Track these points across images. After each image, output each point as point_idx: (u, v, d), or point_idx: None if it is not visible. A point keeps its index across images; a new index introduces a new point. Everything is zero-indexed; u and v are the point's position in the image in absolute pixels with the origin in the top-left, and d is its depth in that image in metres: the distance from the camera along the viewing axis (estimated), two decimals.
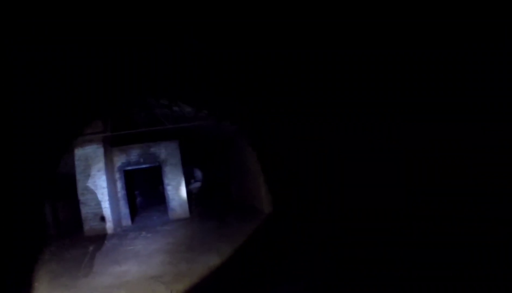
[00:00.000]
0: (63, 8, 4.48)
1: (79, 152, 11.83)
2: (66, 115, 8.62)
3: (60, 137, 9.68)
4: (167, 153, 13.83)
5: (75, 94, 7.78)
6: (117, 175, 13.36)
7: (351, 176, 6.30)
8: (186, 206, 13.99)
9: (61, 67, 6.32)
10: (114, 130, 12.01)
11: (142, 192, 20.79)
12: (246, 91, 7.51)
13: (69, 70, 6.53)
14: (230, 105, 9.71)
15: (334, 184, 6.99)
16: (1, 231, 6.33)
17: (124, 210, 13.41)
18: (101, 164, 11.90)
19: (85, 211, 11.81)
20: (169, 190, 13.81)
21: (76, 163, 11.82)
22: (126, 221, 13.35)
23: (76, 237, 11.56)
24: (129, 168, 13.60)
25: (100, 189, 11.86)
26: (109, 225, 11.88)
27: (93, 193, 11.81)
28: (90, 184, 11.83)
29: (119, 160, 13.41)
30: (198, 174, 25.57)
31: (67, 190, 12.86)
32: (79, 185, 11.83)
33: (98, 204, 11.83)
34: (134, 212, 15.49)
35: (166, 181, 13.83)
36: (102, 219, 11.81)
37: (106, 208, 11.85)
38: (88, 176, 11.84)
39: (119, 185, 13.38)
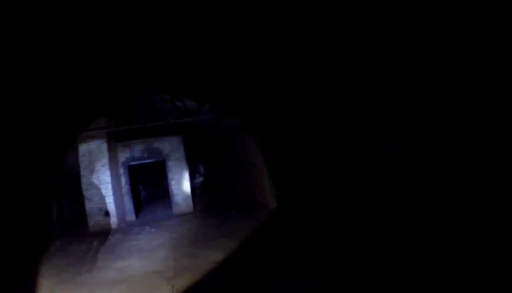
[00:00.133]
0: (70, 9, 4.52)
1: (83, 148, 11.89)
2: (71, 113, 8.67)
3: (64, 134, 9.75)
4: (170, 148, 13.86)
5: (79, 92, 7.83)
6: (121, 170, 13.42)
7: (351, 176, 6.31)
8: (190, 200, 14.05)
9: (65, 66, 6.36)
10: (118, 125, 12.06)
11: (147, 186, 20.88)
12: (246, 91, 7.53)
13: (73, 69, 6.57)
14: (232, 102, 9.74)
15: (334, 184, 7.00)
16: (7, 227, 6.41)
17: (128, 205, 13.48)
18: (105, 159, 11.96)
19: (89, 206, 11.89)
20: (173, 184, 13.85)
21: (80, 158, 11.89)
22: (131, 216, 13.43)
23: (81, 232, 11.66)
24: (133, 163, 13.65)
25: (104, 184, 11.94)
26: (114, 220, 11.97)
27: (97, 188, 11.89)
28: (94, 179, 11.90)
29: (123, 155, 13.47)
30: (204, 168, 25.61)
31: (72, 186, 12.95)
32: (83, 180, 11.90)
33: (102, 199, 11.90)
34: (138, 207, 15.57)
35: (170, 176, 13.87)
36: (107, 214, 11.89)
37: (110, 203, 11.93)
38: (92, 171, 11.91)
39: (123, 180, 13.44)
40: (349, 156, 6.17)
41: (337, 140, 6.32)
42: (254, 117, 10.41)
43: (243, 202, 14.60)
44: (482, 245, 3.83)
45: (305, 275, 5.77)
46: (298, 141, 8.09)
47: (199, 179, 23.80)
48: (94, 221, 11.88)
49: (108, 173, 11.98)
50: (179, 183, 13.89)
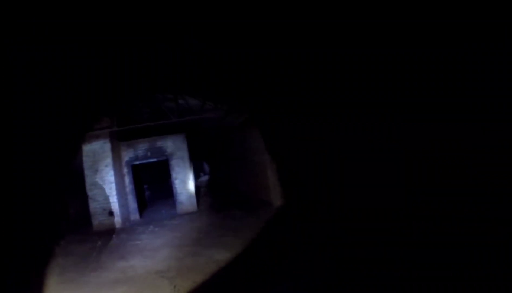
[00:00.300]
0: (71, 9, 4.53)
1: (86, 148, 11.95)
2: (73, 113, 8.71)
3: (68, 135, 9.79)
4: (174, 147, 13.89)
5: (81, 93, 7.86)
6: (125, 170, 13.48)
7: (351, 176, 6.29)
8: (194, 199, 14.07)
9: (68, 67, 6.38)
10: (121, 125, 12.11)
11: (151, 186, 20.96)
12: (247, 90, 7.52)
13: (75, 69, 6.59)
14: (235, 101, 9.73)
15: (334, 184, 6.98)
16: (11, 227, 6.45)
17: (132, 204, 13.54)
18: (108, 159, 12.02)
19: (93, 206, 11.96)
20: (177, 183, 13.88)
21: (84, 158, 11.95)
22: (135, 215, 13.49)
23: (85, 232, 11.73)
24: (137, 162, 13.69)
25: (108, 184, 12.00)
26: (118, 220, 12.03)
27: (101, 188, 11.94)
28: (98, 179, 11.96)
29: (126, 154, 13.52)
30: (208, 167, 25.68)
31: (76, 185, 13.02)
32: (87, 180, 11.97)
33: (106, 199, 11.96)
34: (143, 206, 15.63)
35: (173, 175, 13.90)
36: (111, 213, 11.95)
37: (114, 202, 12.00)
38: (96, 171, 11.97)
39: (127, 179, 13.50)
40: (349, 155, 6.15)
41: (338, 140, 6.31)
42: (259, 115, 10.40)
43: (247, 200, 14.63)
44: (482, 245, 3.81)
45: (305, 275, 5.76)
46: (300, 140, 8.07)
47: (204, 178, 23.87)
48: (98, 220, 11.95)
49: (111, 172, 12.04)
50: (183, 182, 13.91)
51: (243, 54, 5.98)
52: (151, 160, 13.89)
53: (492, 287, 3.72)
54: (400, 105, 4.64)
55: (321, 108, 6.22)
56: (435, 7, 3.59)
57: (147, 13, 4.86)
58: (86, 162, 11.96)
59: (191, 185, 14.05)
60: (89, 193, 11.96)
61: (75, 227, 12.63)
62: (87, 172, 11.96)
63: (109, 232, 11.40)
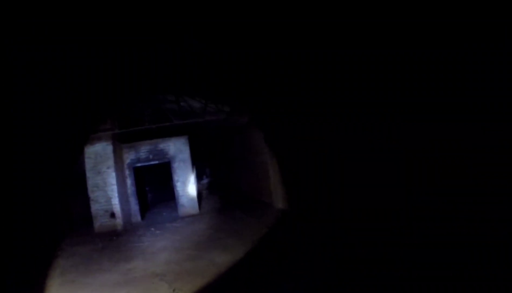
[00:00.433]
0: (74, 10, 4.54)
1: (88, 150, 11.96)
2: (75, 115, 8.71)
3: (70, 136, 9.80)
4: (176, 149, 13.87)
5: (84, 95, 7.86)
6: (127, 172, 13.48)
7: (351, 176, 6.26)
8: (196, 202, 14.05)
9: (70, 68, 6.39)
10: (123, 127, 12.11)
11: (153, 188, 20.93)
12: (249, 91, 7.50)
13: (77, 70, 6.59)
14: (237, 101, 9.72)
15: (334, 184, 6.95)
16: (13, 228, 6.44)
17: (134, 206, 13.54)
18: (110, 161, 12.01)
19: (95, 207, 11.95)
20: (178, 186, 13.87)
21: (86, 160, 11.96)
22: (136, 218, 13.48)
23: (87, 233, 11.73)
24: (139, 164, 13.69)
25: (110, 186, 11.98)
26: (119, 222, 12.01)
27: (102, 190, 11.94)
28: (99, 181, 11.96)
29: (128, 156, 13.52)
30: (210, 169, 25.67)
31: (78, 187, 13.04)
32: (89, 182, 11.97)
33: (108, 200, 11.95)
34: (145, 208, 15.63)
35: (175, 178, 13.88)
36: (112, 215, 11.93)
37: (115, 204, 11.98)
38: (98, 173, 11.96)
39: (129, 181, 13.50)
40: (349, 155, 6.14)
41: (338, 140, 6.28)
42: (260, 116, 10.39)
43: (249, 202, 14.60)
44: (482, 245, 3.80)
45: (305, 275, 5.72)
46: (300, 140, 8.05)
47: (206, 180, 23.84)
48: (99, 222, 11.93)
49: (113, 174, 12.03)
50: (185, 184, 13.89)
51: (243, 54, 5.96)
52: (153, 162, 13.88)
53: (492, 287, 3.70)
54: (400, 105, 4.61)
55: (322, 109, 6.20)
56: (435, 7, 3.56)
57: (147, 13, 4.86)
58: (88, 163, 11.97)
59: (192, 188, 14.03)
60: (91, 195, 11.96)
61: (77, 228, 12.65)
62: (89, 174, 11.97)
63: (111, 234, 11.39)
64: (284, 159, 10.44)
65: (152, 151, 13.69)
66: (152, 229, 11.62)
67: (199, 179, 21.74)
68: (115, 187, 12.00)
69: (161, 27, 5.32)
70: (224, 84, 7.80)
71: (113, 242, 10.27)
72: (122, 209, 12.26)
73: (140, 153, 13.60)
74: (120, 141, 13.30)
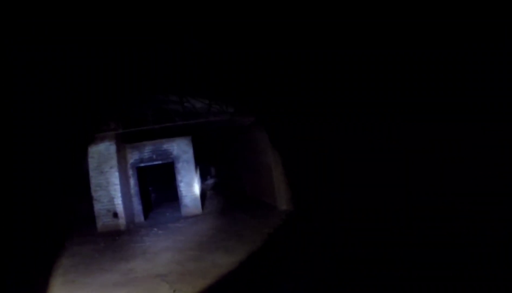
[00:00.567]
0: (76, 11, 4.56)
1: (92, 149, 12.00)
2: (76, 114, 8.74)
3: (73, 136, 9.84)
4: (179, 149, 13.89)
5: (87, 95, 7.89)
6: (130, 172, 13.50)
7: (351, 176, 6.24)
8: (199, 202, 14.06)
9: (69, 68, 6.40)
10: (126, 127, 12.13)
11: (157, 188, 21.00)
12: (246, 92, 7.49)
13: (79, 71, 6.62)
14: (242, 102, 9.72)
15: (335, 184, 6.93)
16: (16, 229, 6.46)
17: (137, 206, 13.55)
18: (113, 161, 12.04)
19: (98, 207, 11.98)
20: (182, 186, 13.88)
21: (89, 160, 12.00)
22: (139, 218, 13.50)
23: (90, 233, 11.75)
24: (142, 164, 13.72)
25: (113, 185, 12.01)
26: (122, 222, 12.04)
27: (105, 190, 11.97)
28: (103, 180, 11.99)
29: (132, 156, 13.55)
30: (214, 170, 25.72)
31: (82, 187, 13.07)
32: (92, 182, 12.01)
33: (111, 200, 11.98)
34: (148, 208, 15.65)
35: (178, 178, 13.90)
36: (115, 215, 11.96)
37: (118, 204, 12.00)
38: (101, 172, 12.00)
39: (132, 181, 13.52)
40: (349, 156, 6.12)
41: (338, 141, 6.27)
42: (263, 116, 10.38)
43: (252, 203, 14.59)
44: (482, 245, 3.79)
45: (305, 275, 5.70)
46: (301, 141, 8.04)
47: (210, 180, 23.89)
48: (102, 222, 11.97)
49: (116, 174, 12.06)
50: (188, 184, 13.90)
51: (243, 54, 5.95)
52: (157, 163, 13.90)
53: (492, 287, 3.69)
54: (400, 105, 4.59)
55: (324, 110, 6.19)
56: (435, 7, 3.54)
57: (147, 13, 4.86)
58: (92, 163, 12.01)
59: (196, 188, 14.04)
60: (94, 195, 11.99)
61: (80, 228, 12.67)
62: (92, 173, 12.00)
63: (113, 233, 11.41)
64: (287, 159, 10.41)
65: (156, 151, 13.71)
66: (155, 229, 11.63)
67: (203, 179, 21.78)
68: (118, 187, 12.03)
69: (161, 27, 5.32)
70: (225, 85, 7.79)
71: (115, 241, 10.29)
72: (125, 209, 12.28)
73: (144, 153, 13.63)
74: (124, 142, 13.33)
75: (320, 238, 7.28)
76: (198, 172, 14.78)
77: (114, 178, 12.03)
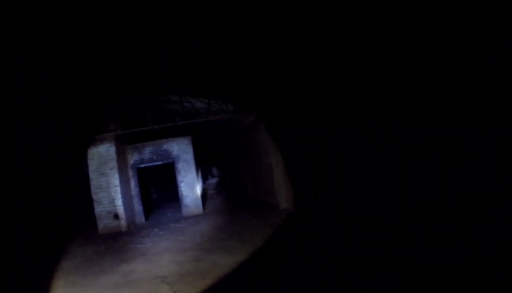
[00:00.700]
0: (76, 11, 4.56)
1: (92, 151, 11.98)
2: (76, 115, 8.74)
3: (72, 137, 9.84)
4: (179, 149, 13.87)
5: (86, 97, 7.89)
6: (131, 173, 13.49)
7: (351, 176, 6.23)
8: (200, 202, 14.04)
9: (69, 68, 6.40)
10: (126, 128, 12.12)
11: (159, 188, 20.99)
12: (246, 92, 7.48)
13: (78, 70, 6.60)
14: (235, 102, 9.70)
15: (335, 184, 6.91)
16: (16, 230, 6.46)
17: (138, 207, 13.54)
18: (113, 162, 12.03)
19: (98, 209, 11.98)
20: (182, 186, 13.87)
21: (89, 161, 11.99)
22: (140, 219, 13.49)
23: (90, 235, 11.77)
24: (142, 165, 13.70)
25: (113, 187, 12.00)
26: (123, 223, 12.03)
27: (106, 191, 11.96)
28: (103, 182, 11.98)
29: (132, 157, 13.54)
30: (215, 170, 25.70)
31: (82, 189, 13.07)
32: (93, 184, 12.00)
33: (112, 202, 11.97)
34: (149, 209, 15.64)
35: (179, 178, 13.88)
36: (116, 216, 11.95)
37: (119, 206, 11.99)
38: (101, 174, 11.99)
39: (133, 182, 13.51)
40: (349, 156, 6.10)
41: (338, 141, 6.25)
42: (266, 116, 10.37)
43: (253, 203, 14.57)
44: (482, 245, 3.78)
45: (305, 275, 5.69)
46: (304, 141, 8.02)
47: (211, 180, 23.87)
48: (103, 223, 11.96)
49: (117, 176, 12.05)
50: (189, 184, 13.89)
51: (243, 54, 5.94)
52: (157, 163, 13.88)
53: (492, 287, 3.68)
54: (400, 105, 4.58)
55: (324, 109, 6.18)
56: (435, 7, 3.53)
57: (147, 13, 4.85)
58: (92, 165, 12.00)
59: (197, 188, 14.02)
60: (94, 196, 11.98)
61: (81, 229, 12.68)
62: (92, 175, 11.99)
63: (114, 235, 11.41)
64: (288, 159, 10.40)
65: (156, 151, 13.70)
66: (156, 229, 11.62)
67: (204, 179, 21.78)
68: (118, 188, 12.02)
69: (161, 27, 5.31)
70: (225, 84, 7.77)
71: (116, 243, 10.28)
72: (126, 210, 12.27)
73: (144, 153, 13.62)
74: (124, 142, 13.32)
75: (320, 238, 7.27)
76: (199, 172, 14.76)
77: (115, 179, 12.03)
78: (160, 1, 4.59)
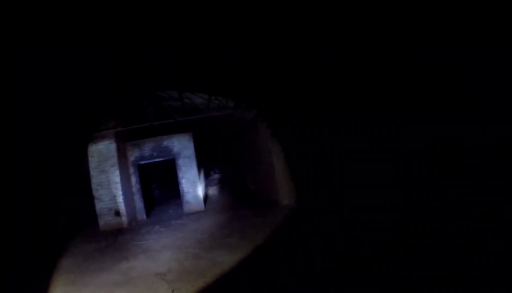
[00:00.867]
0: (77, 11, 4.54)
1: (92, 148, 11.99)
2: (76, 114, 8.72)
3: (73, 135, 9.83)
4: (180, 146, 13.85)
5: (86, 94, 7.87)
6: (131, 170, 13.49)
7: (352, 175, 6.21)
8: (201, 199, 14.04)
9: (69, 68, 6.38)
10: (126, 125, 12.11)
11: (160, 185, 21.02)
12: (246, 92, 7.45)
13: (78, 70, 6.59)
14: (235, 101, 9.68)
15: (335, 183, 6.89)
16: (15, 229, 6.47)
17: (139, 204, 13.55)
18: (114, 159, 12.03)
19: (99, 206, 11.99)
20: (183, 183, 13.86)
21: (90, 159, 11.99)
22: (141, 215, 13.51)
23: (92, 232, 11.79)
24: (143, 162, 13.69)
25: (114, 184, 12.01)
26: (124, 220, 12.05)
27: (107, 188, 11.97)
28: (103, 179, 11.99)
29: (132, 154, 13.53)
30: (217, 167, 25.72)
31: (83, 186, 13.09)
32: (93, 181, 12.01)
33: (112, 199, 11.99)
34: (151, 206, 15.66)
35: (180, 175, 13.88)
36: (117, 213, 11.97)
37: (120, 202, 12.01)
38: (101, 171, 12.00)
39: (133, 179, 13.51)
40: (350, 155, 6.08)
41: (338, 140, 6.23)
42: (267, 114, 10.35)
43: (256, 200, 14.56)
44: (482, 245, 3.78)
45: (306, 274, 5.68)
46: (305, 139, 8.00)
47: (214, 176, 23.89)
48: (104, 220, 11.98)
49: (117, 172, 12.05)
50: (190, 181, 13.88)
51: (243, 54, 5.91)
52: (158, 160, 13.88)
53: (492, 287, 3.67)
54: (400, 105, 4.55)
55: (325, 108, 6.16)
56: (435, 7, 3.50)
57: (147, 13, 4.82)
58: (92, 162, 12.01)
59: (198, 184, 14.02)
60: (95, 194, 12.00)
61: (82, 227, 12.70)
62: (93, 172, 12.00)
63: (115, 232, 11.43)
64: (289, 157, 10.39)
65: (156, 148, 13.68)
66: (157, 226, 11.63)
67: (206, 175, 21.80)
68: (119, 185, 12.03)
69: (161, 27, 5.28)
70: (225, 84, 7.74)
71: (117, 240, 10.29)
72: (127, 207, 12.29)
73: (144, 150, 13.61)
74: (124, 139, 13.31)
75: (320, 237, 7.25)
76: (201, 169, 14.75)
77: (115, 176, 12.04)
78: (160, 1, 4.57)
